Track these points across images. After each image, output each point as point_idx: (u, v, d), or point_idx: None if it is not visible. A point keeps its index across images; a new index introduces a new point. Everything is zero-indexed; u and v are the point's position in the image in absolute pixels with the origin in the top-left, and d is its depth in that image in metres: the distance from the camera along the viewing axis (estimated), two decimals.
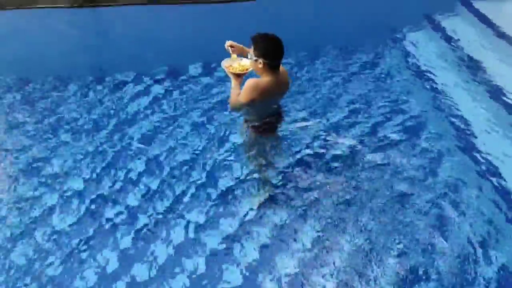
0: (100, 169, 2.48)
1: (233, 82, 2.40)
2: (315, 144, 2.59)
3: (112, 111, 3.00)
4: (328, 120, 2.81)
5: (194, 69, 3.47)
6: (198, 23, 4.26)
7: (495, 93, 3.15)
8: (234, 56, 2.43)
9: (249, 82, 2.25)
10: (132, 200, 2.29)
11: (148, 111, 2.98)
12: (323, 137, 2.65)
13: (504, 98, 3.07)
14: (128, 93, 3.19)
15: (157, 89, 3.23)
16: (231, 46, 2.42)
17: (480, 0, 4.40)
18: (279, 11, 4.40)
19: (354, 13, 4.36)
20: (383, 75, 3.39)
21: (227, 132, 2.68)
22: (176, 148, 2.63)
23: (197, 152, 2.58)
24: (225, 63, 2.40)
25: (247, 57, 2.34)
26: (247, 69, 2.37)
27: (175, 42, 3.87)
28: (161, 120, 2.88)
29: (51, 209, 2.23)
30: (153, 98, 3.13)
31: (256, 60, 2.25)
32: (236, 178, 2.37)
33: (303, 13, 4.48)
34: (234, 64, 2.41)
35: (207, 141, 2.66)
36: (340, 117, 2.85)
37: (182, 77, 3.36)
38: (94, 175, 2.44)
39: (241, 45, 2.44)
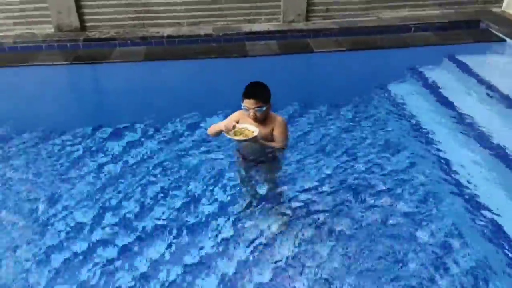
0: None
1: (262, 143, 2.58)
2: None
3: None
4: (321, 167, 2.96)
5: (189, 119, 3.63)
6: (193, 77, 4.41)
7: (482, 139, 3.27)
8: (238, 126, 2.55)
9: (284, 123, 2.65)
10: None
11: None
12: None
13: (491, 144, 3.20)
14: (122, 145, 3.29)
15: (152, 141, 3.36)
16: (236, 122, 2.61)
17: (464, 54, 4.59)
18: (272, 68, 4.58)
19: (345, 72, 4.54)
20: (372, 126, 3.52)
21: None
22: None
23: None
24: (241, 137, 2.50)
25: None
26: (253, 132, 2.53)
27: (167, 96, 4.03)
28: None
29: None
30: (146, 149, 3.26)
31: (269, 107, 2.55)
32: None
33: (295, 71, 4.70)
34: (246, 132, 2.53)
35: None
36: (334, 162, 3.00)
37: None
38: None
39: (229, 120, 2.64)
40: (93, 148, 3.30)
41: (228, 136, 2.52)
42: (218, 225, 2.56)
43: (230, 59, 4.62)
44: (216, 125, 2.68)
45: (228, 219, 2.60)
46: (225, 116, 3.53)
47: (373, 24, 5.13)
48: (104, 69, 4.48)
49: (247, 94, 2.51)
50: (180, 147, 3.30)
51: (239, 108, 2.58)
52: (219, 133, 2.66)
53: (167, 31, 4.95)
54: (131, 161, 3.15)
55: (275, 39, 4.98)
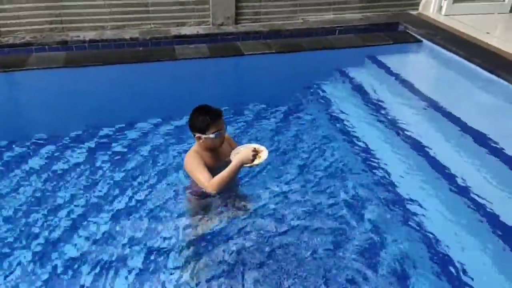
0: None
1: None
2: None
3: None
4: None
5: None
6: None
7: (400, 133, 3.47)
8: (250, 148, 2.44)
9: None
10: None
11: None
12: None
13: (409, 138, 3.39)
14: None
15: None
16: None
17: (385, 54, 4.85)
18: (203, 71, 4.52)
19: (275, 74, 4.60)
20: (302, 126, 3.60)
21: None
22: None
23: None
24: (260, 159, 2.37)
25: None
26: None
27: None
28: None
29: None
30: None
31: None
32: None
33: (226, 74, 4.70)
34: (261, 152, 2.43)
35: None
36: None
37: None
38: None
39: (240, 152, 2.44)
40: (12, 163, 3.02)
41: (250, 166, 2.35)
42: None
43: (159, 63, 4.48)
44: (229, 170, 2.32)
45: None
46: (156, 124, 3.50)
47: (300, 27, 5.25)
48: (19, 77, 4.14)
49: (216, 116, 2.33)
50: (108, 157, 3.13)
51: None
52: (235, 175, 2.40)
53: (89, 35, 4.70)
54: (53, 175, 2.92)
55: (205, 42, 4.92)
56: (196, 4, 5.09)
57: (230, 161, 2.46)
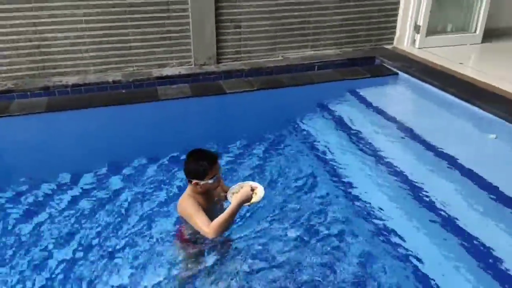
0: None
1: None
2: None
3: None
4: None
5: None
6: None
7: (380, 162, 3.54)
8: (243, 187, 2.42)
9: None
10: None
11: None
12: None
13: (391, 166, 3.47)
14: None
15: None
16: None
17: (364, 88, 4.99)
18: (186, 111, 4.58)
19: (258, 111, 4.68)
20: (287, 157, 3.69)
21: None
22: None
23: None
24: (253, 198, 2.34)
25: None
26: None
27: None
28: None
29: None
30: None
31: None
32: None
33: (209, 112, 4.75)
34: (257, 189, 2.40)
35: None
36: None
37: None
38: None
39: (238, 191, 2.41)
40: None
41: (249, 205, 2.33)
42: None
43: (142, 104, 4.53)
44: (230, 212, 2.25)
45: None
46: (142, 166, 3.49)
47: (280, 64, 5.40)
48: (1, 124, 4.12)
49: (213, 160, 2.29)
50: (92, 203, 3.08)
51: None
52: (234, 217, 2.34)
53: (72, 80, 4.75)
54: (35, 222, 2.86)
55: (187, 82, 5.00)
56: (177, 46, 5.21)
57: (221, 200, 2.43)
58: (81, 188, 3.25)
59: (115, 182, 3.33)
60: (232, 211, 2.26)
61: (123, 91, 4.77)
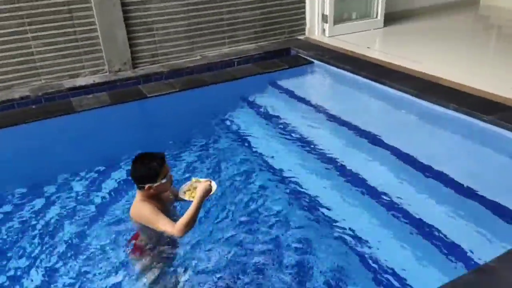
0: None
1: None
2: None
3: None
4: None
5: None
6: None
7: (309, 146, 3.71)
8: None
9: None
10: None
11: None
12: None
13: (316, 149, 3.64)
14: None
15: None
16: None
17: (283, 79, 5.15)
18: (105, 120, 4.38)
19: (183, 111, 4.62)
20: (219, 153, 3.70)
21: None
22: None
23: None
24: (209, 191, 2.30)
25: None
26: None
27: None
28: None
29: None
30: None
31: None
32: None
33: (131, 119, 4.60)
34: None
35: None
36: None
37: None
38: None
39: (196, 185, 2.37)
40: None
41: (208, 198, 2.30)
42: None
43: (56, 118, 4.23)
44: (194, 209, 2.20)
45: None
46: (65, 183, 3.27)
47: (199, 63, 5.37)
48: None
49: (162, 160, 2.26)
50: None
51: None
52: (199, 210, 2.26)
53: None
54: None
55: (104, 90, 4.78)
56: (88, 54, 4.95)
57: (171, 201, 2.40)
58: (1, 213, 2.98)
59: (38, 203, 3.09)
60: (196, 207, 2.22)
61: (33, 106, 4.42)
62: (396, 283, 2.30)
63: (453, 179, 3.06)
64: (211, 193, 2.33)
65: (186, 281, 2.29)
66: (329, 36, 6.24)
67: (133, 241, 2.38)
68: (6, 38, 4.47)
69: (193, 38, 5.54)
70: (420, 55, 5.11)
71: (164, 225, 2.20)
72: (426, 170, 3.21)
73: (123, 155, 3.56)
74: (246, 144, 3.87)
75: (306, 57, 5.68)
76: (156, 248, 2.31)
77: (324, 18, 6.22)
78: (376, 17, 6.66)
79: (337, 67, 5.22)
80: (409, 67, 4.77)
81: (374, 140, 3.69)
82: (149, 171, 2.22)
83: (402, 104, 4.27)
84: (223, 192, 3.07)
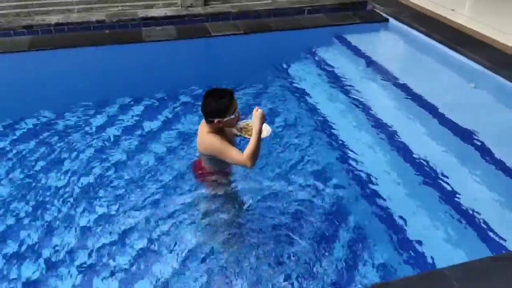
0: None
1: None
2: None
3: None
4: None
5: None
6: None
7: (364, 110, 3.58)
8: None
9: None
10: None
11: None
12: None
13: (375, 118, 3.49)
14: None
15: None
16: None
17: (352, 34, 4.92)
18: (170, 53, 4.55)
19: (243, 54, 4.65)
20: (273, 100, 3.70)
21: None
22: None
23: None
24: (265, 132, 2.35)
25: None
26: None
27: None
28: None
29: None
30: None
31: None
32: None
33: (194, 55, 4.75)
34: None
35: None
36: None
37: None
38: None
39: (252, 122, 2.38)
40: None
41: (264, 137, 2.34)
42: None
43: (126, 45, 4.49)
44: (256, 139, 2.24)
45: None
46: (125, 106, 3.53)
47: (269, 7, 5.27)
48: None
49: (231, 96, 2.27)
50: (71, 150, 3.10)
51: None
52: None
53: (55, 19, 4.67)
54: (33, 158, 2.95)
55: (172, 24, 4.93)
56: None
57: (233, 135, 2.49)
58: (65, 126, 3.31)
59: (100, 121, 3.39)
60: (257, 138, 2.26)
61: (107, 31, 4.72)
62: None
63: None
64: (267, 135, 2.37)
65: (247, 210, 2.45)
66: None
67: (198, 171, 2.57)
68: None
69: None
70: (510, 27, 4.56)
71: (237, 155, 2.26)
72: (486, 154, 3.00)
73: (182, 88, 3.76)
74: (300, 95, 3.83)
75: (381, 13, 5.33)
76: (219, 175, 2.48)
77: None
78: None
79: (414, 28, 4.84)
80: (494, 38, 4.30)
81: (436, 113, 3.45)
82: (219, 106, 2.24)
83: (473, 78, 3.92)
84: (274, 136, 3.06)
